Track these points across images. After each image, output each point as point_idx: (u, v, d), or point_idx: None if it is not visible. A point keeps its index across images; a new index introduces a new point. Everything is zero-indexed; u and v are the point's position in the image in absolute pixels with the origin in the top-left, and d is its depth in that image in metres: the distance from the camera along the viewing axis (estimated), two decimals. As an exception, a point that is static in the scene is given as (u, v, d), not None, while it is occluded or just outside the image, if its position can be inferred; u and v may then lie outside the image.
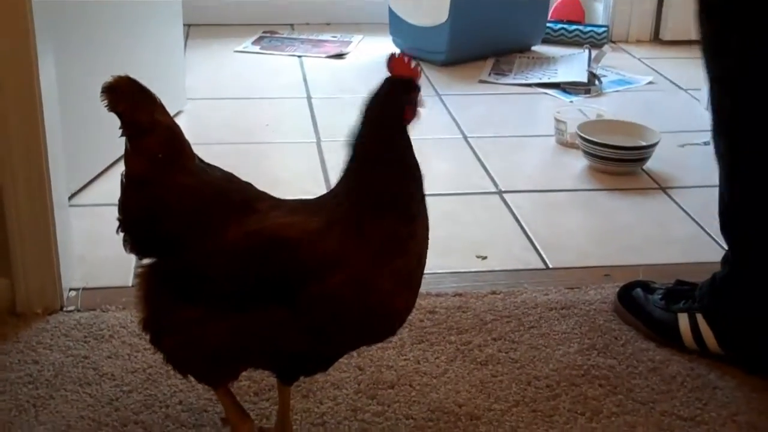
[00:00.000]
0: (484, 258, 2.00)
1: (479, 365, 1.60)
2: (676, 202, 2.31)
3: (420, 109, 1.23)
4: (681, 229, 2.18)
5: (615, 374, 1.59)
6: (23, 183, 1.66)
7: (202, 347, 1.24)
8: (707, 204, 2.29)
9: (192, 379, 1.33)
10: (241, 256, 1.20)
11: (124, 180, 1.27)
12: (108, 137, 2.29)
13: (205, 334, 1.23)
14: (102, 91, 1.23)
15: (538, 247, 2.05)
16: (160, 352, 1.29)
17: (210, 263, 1.21)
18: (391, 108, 1.20)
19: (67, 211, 1.88)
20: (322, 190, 2.29)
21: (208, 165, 1.31)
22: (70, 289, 1.80)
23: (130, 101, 1.24)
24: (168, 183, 1.24)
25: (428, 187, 2.27)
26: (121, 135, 1.25)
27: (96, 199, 2.18)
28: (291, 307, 1.17)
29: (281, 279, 1.18)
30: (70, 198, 2.10)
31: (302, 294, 1.16)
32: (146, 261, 1.28)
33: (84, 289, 1.81)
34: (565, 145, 2.62)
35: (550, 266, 1.98)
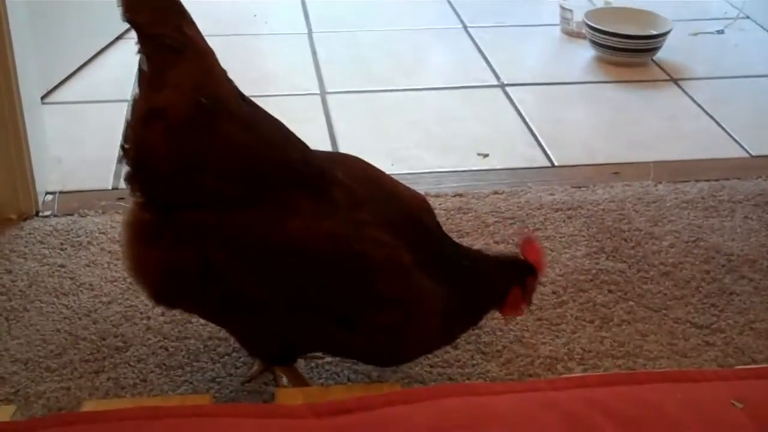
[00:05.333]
0: (486, 156, 1.90)
1: (481, 270, 1.51)
2: (688, 95, 2.21)
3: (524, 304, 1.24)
4: (693, 123, 2.08)
5: (625, 279, 1.50)
6: (-13, 80, 1.54)
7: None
8: (721, 96, 2.21)
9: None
10: (311, 257, 1.06)
11: (144, 113, 1.03)
12: (85, 32, 2.18)
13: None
14: None
15: (543, 144, 1.96)
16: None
17: (262, 244, 1.06)
18: (504, 280, 1.20)
19: (40, 109, 1.77)
20: (313, 84, 2.24)
21: (253, 104, 1.10)
22: (46, 193, 1.70)
23: (153, 10, 1.01)
24: (214, 132, 1.03)
25: (425, 82, 2.21)
26: (138, 53, 1.02)
27: (73, 96, 2.04)
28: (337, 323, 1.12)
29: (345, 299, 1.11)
30: (45, 96, 1.99)
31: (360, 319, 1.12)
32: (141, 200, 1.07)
33: (61, 192, 1.71)
34: (571, 34, 2.53)
35: (556, 164, 1.89)
